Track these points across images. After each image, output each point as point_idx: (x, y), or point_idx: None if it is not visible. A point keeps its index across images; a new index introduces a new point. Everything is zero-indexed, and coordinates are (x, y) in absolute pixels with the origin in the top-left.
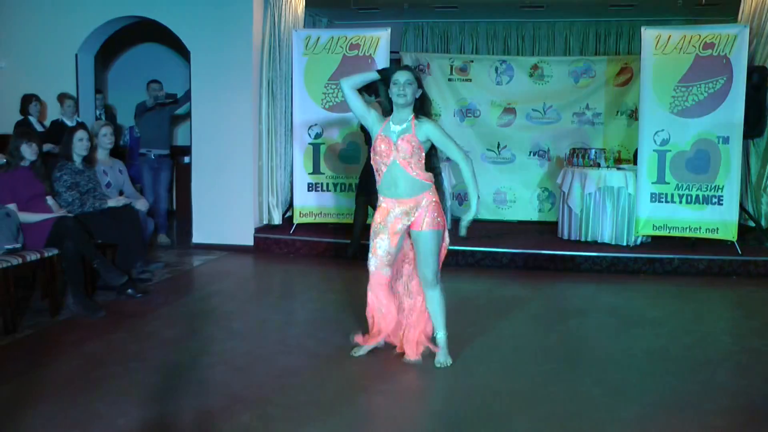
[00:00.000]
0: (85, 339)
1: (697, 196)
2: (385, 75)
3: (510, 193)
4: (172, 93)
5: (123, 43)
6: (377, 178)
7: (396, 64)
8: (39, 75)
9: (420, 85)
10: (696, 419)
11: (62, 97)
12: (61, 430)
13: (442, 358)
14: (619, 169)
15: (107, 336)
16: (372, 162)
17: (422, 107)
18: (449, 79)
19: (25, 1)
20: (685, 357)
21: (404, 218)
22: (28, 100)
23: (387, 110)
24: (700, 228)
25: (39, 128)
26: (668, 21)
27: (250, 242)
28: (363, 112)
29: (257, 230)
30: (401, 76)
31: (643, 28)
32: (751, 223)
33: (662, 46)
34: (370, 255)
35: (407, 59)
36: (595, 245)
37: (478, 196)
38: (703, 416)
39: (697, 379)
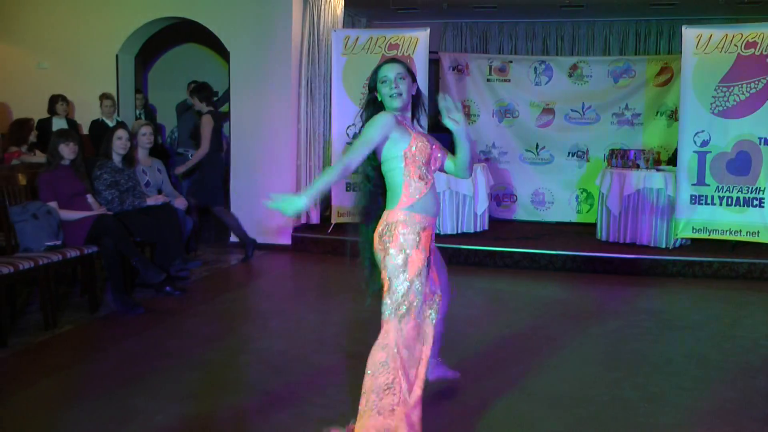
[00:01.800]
0: (124, 335)
1: (738, 198)
2: (370, 82)
3: (548, 195)
4: (214, 91)
5: (162, 44)
6: (419, 192)
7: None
8: (80, 75)
9: (414, 80)
10: (737, 426)
11: (102, 97)
12: (99, 424)
13: None
14: (658, 170)
15: (145, 333)
16: (409, 171)
17: (419, 109)
18: (488, 80)
19: (66, 3)
20: (726, 362)
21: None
22: (54, 100)
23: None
24: (740, 231)
25: (63, 125)
26: (709, 20)
27: (288, 241)
28: (380, 139)
29: (295, 229)
30: (390, 71)
31: (683, 27)
32: None
33: (703, 45)
34: (427, 300)
35: (446, 59)
36: (633, 247)
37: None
38: (744, 423)
39: (737, 385)
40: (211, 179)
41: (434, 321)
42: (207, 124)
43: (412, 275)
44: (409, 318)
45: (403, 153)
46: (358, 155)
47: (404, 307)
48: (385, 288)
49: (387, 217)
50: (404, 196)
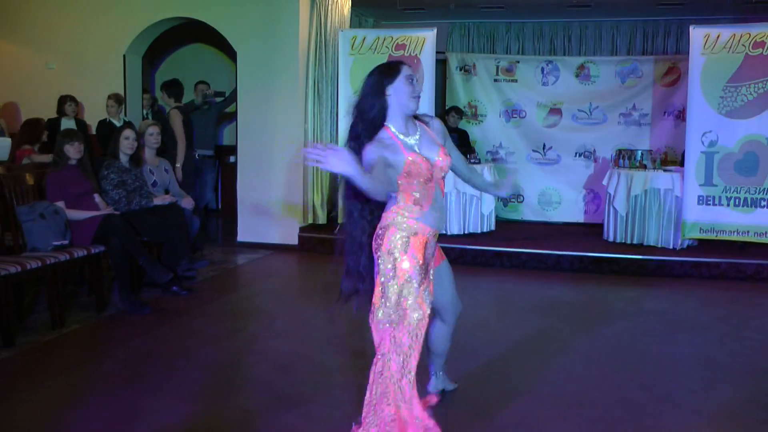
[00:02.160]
0: (131, 335)
1: (746, 198)
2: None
3: (555, 195)
4: (221, 91)
5: (170, 44)
6: (413, 214)
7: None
8: (88, 76)
9: None
10: (744, 428)
11: (107, 98)
12: (105, 424)
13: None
14: (665, 170)
15: (152, 332)
16: (404, 198)
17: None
18: (495, 80)
19: (74, 3)
20: (734, 364)
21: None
22: (63, 100)
23: (375, 126)
24: (748, 231)
25: (72, 125)
26: (717, 20)
27: (295, 241)
28: (382, 162)
29: (302, 229)
30: (413, 73)
31: (691, 27)
32: None
33: (711, 45)
34: (414, 306)
35: (453, 59)
36: (641, 248)
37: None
38: (752, 425)
39: (746, 387)
40: (182, 177)
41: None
42: (176, 118)
43: (401, 281)
44: (402, 326)
45: (398, 181)
46: (374, 176)
47: (398, 314)
48: (379, 294)
49: (383, 219)
50: (401, 206)
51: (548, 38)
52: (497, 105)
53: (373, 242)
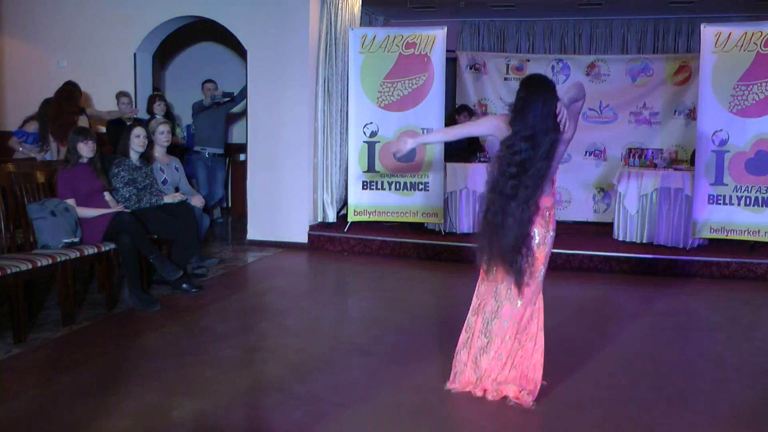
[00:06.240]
0: (141, 332)
1: (757, 198)
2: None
3: (565, 194)
4: (229, 91)
5: (180, 42)
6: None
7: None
8: (98, 74)
9: None
10: (755, 429)
11: (118, 95)
12: (115, 420)
13: None
14: (676, 169)
15: (162, 329)
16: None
17: None
18: (505, 78)
19: (85, 2)
20: (744, 364)
21: None
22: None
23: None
24: (759, 231)
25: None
26: (728, 18)
27: (305, 239)
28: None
29: (312, 228)
30: None
31: (702, 26)
32: None
33: (722, 43)
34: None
35: (463, 58)
36: (651, 247)
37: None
38: (762, 426)
39: (756, 387)
40: None
41: None
42: None
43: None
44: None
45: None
46: None
47: None
48: (543, 260)
49: (545, 201)
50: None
51: (558, 37)
52: (507, 104)
53: (540, 218)
